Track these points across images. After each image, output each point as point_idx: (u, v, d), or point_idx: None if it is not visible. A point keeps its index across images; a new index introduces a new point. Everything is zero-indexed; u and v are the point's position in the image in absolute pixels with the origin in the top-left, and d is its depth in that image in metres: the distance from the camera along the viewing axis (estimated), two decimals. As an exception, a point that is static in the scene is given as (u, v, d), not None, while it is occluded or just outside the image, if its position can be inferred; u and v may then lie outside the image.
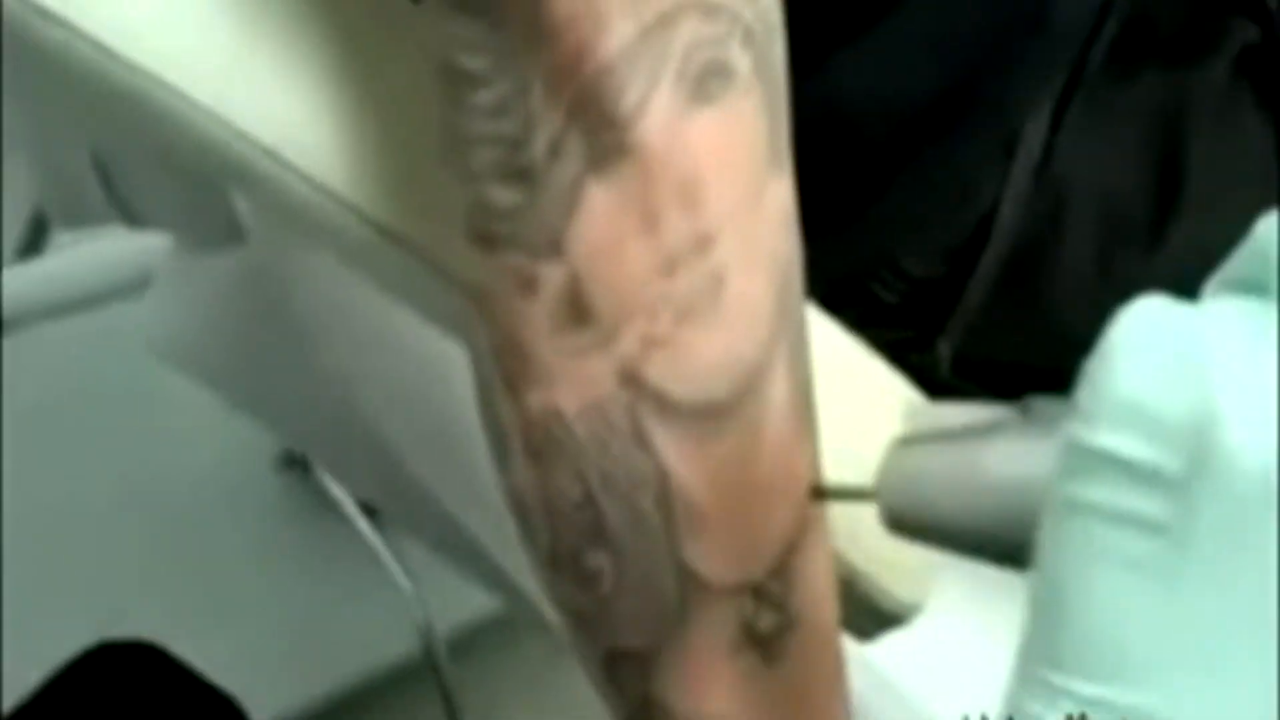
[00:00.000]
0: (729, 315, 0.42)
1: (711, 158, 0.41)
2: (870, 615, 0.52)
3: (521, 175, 0.41)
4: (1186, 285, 0.37)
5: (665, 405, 0.42)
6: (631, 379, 0.42)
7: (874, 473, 0.41)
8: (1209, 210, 0.71)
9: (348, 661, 1.22)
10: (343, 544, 1.10)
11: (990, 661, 0.62)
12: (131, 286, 0.77)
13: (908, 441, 0.41)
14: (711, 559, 0.43)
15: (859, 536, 0.51)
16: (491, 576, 0.63)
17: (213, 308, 0.66)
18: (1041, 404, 0.40)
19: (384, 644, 1.19)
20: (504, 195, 0.41)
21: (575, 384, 0.42)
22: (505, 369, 0.43)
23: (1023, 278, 0.74)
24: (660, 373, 0.42)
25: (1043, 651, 0.33)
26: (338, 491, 1.07)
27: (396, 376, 0.59)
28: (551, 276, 0.41)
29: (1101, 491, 0.32)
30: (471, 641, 1.19)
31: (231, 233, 0.61)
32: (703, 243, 0.41)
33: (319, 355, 0.62)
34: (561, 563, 0.44)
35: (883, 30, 0.69)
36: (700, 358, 0.42)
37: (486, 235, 0.42)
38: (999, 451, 0.38)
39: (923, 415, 0.45)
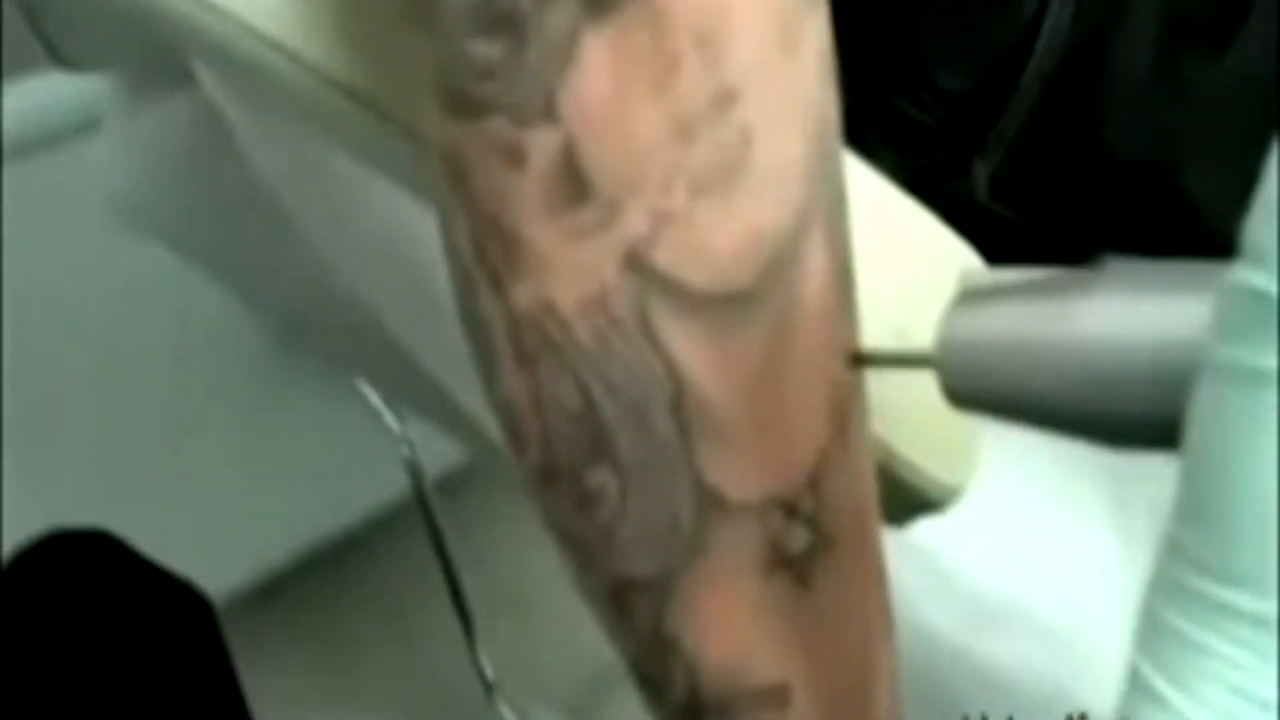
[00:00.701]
0: (755, 186, 0.35)
1: None
2: (904, 500, 0.46)
3: (504, 24, 0.34)
4: (1254, 96, 0.31)
5: (679, 295, 0.35)
6: (639, 264, 0.35)
7: (932, 336, 0.35)
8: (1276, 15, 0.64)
9: (338, 503, 1.18)
10: (330, 385, 1.05)
11: (1045, 542, 0.57)
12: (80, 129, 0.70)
13: (971, 299, 0.35)
14: (734, 473, 0.37)
15: (890, 410, 0.45)
16: (479, 441, 0.57)
17: (165, 158, 0.59)
18: (1120, 263, 0.34)
19: (373, 486, 1.16)
20: (483, 49, 0.34)
21: (572, 273, 0.35)
22: (489, 259, 0.36)
23: (1070, 88, 0.67)
24: (673, 256, 0.35)
25: (1200, 557, 0.27)
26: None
27: (371, 232, 0.53)
28: (542, 144, 0.34)
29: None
30: (462, 482, 1.14)
31: (180, 75, 0.54)
32: (725, 99, 0.34)
33: (284, 210, 0.55)
34: (558, 482, 0.38)
35: None
36: (720, 237, 0.35)
37: (464, 98, 0.35)
38: (1095, 309, 0.32)
39: (982, 279, 0.38)
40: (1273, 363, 0.26)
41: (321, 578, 1.22)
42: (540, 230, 0.35)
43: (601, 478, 0.37)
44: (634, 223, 0.35)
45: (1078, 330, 0.33)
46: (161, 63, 0.54)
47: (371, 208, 0.51)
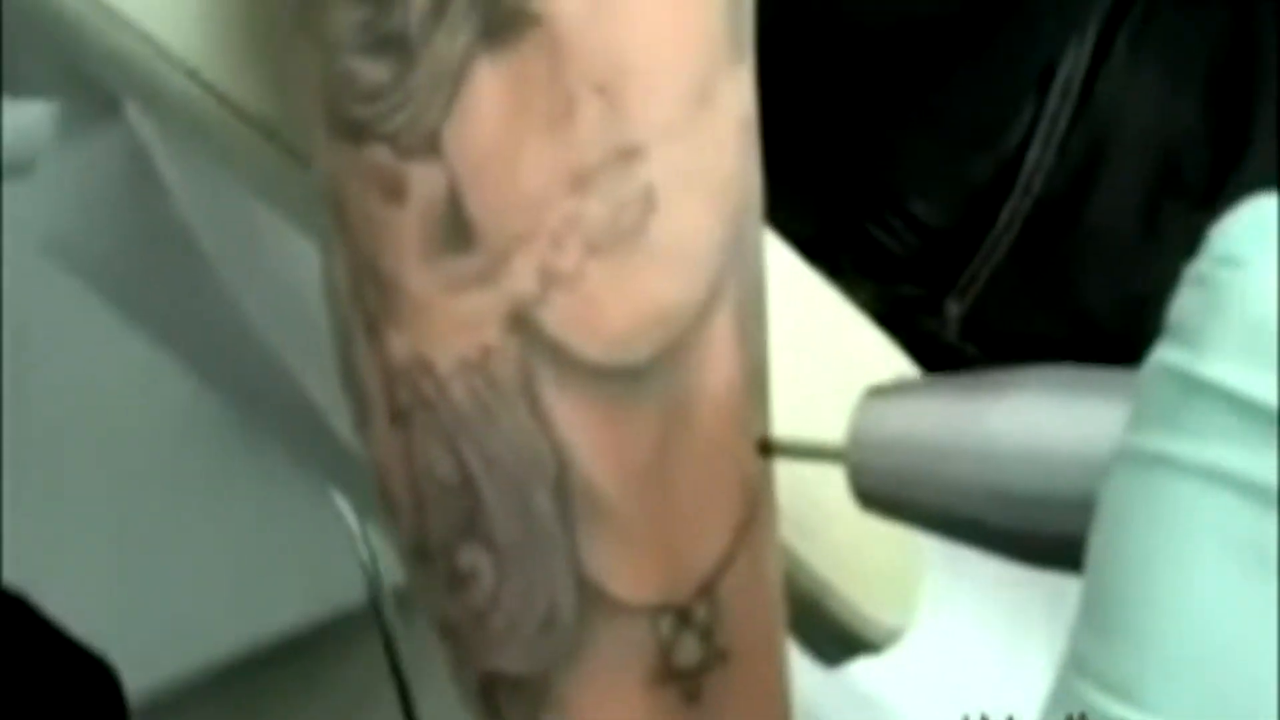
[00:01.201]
0: (657, 255, 0.32)
1: (647, 38, 0.31)
2: (841, 640, 0.43)
3: (392, 43, 0.31)
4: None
5: (567, 364, 0.32)
6: (524, 325, 0.32)
7: (844, 429, 0.32)
8: (1276, 162, 0.61)
9: (292, 602, 1.14)
10: (294, 480, 1.02)
11: (991, 681, 0.54)
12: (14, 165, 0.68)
13: (883, 393, 0.32)
14: (621, 570, 0.33)
15: (828, 546, 0.42)
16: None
17: (93, 193, 0.56)
18: (1053, 369, 0.31)
19: (330, 587, 1.11)
20: (368, 70, 0.31)
21: (451, 328, 0.32)
22: (365, 303, 0.33)
23: (1050, 233, 0.64)
24: (562, 320, 0.32)
25: (1101, 670, 0.24)
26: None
27: (286, 283, 0.50)
28: (424, 180, 0.31)
29: (1210, 443, 0.23)
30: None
31: (111, 108, 0.52)
32: (627, 154, 0.32)
33: (201, 251, 0.52)
34: (430, 558, 0.34)
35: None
36: (615, 306, 0.32)
37: (346, 120, 0.32)
38: (1007, 410, 0.30)
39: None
40: (1198, 452, 0.23)
41: (272, 675, 1.18)
42: (419, 277, 0.32)
43: (474, 558, 0.33)
44: (521, 278, 0.32)
45: (988, 432, 0.30)
46: (91, 92, 0.52)
47: (286, 257, 0.48)
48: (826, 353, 0.43)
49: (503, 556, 0.33)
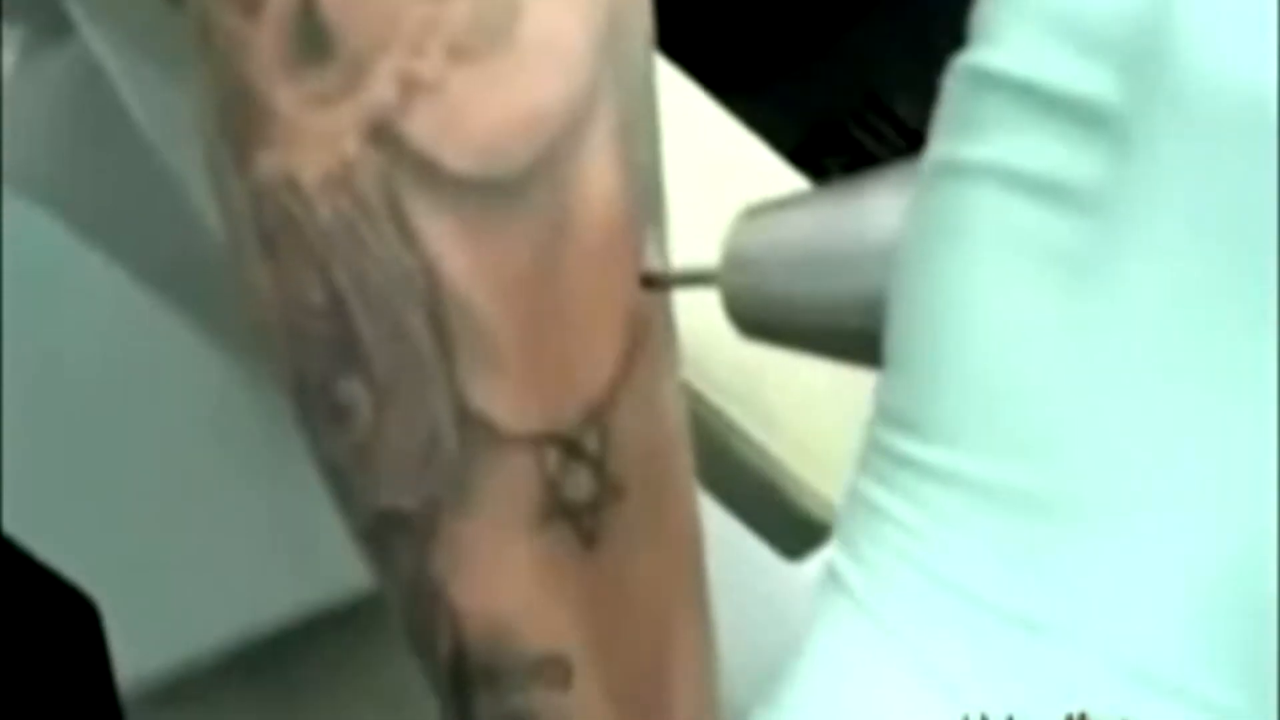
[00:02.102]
0: (524, 58, 0.31)
1: None
2: (798, 526, 0.42)
3: None
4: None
5: (434, 177, 0.31)
6: (386, 137, 0.31)
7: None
8: None
9: (330, 575, 1.12)
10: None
11: None
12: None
13: (758, 212, 0.31)
14: (501, 397, 0.32)
15: (786, 425, 0.41)
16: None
17: (55, 118, 0.56)
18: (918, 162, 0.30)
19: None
20: None
21: (314, 143, 0.31)
22: (232, 125, 0.32)
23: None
24: (425, 130, 0.31)
25: (889, 406, 0.22)
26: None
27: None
28: None
29: (999, 140, 0.21)
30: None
31: (63, 25, 0.51)
32: None
33: (165, 171, 0.51)
34: (308, 393, 0.33)
35: None
36: (481, 113, 0.31)
37: None
38: (879, 206, 0.28)
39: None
40: (985, 151, 0.21)
41: (311, 649, 1.16)
42: (280, 92, 0.31)
43: (353, 390, 0.33)
44: (380, 88, 0.31)
45: (853, 232, 0.28)
46: (44, 14, 0.51)
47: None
48: (727, 185, 0.41)
49: (380, 386, 0.32)
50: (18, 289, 0.89)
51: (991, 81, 0.21)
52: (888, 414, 0.22)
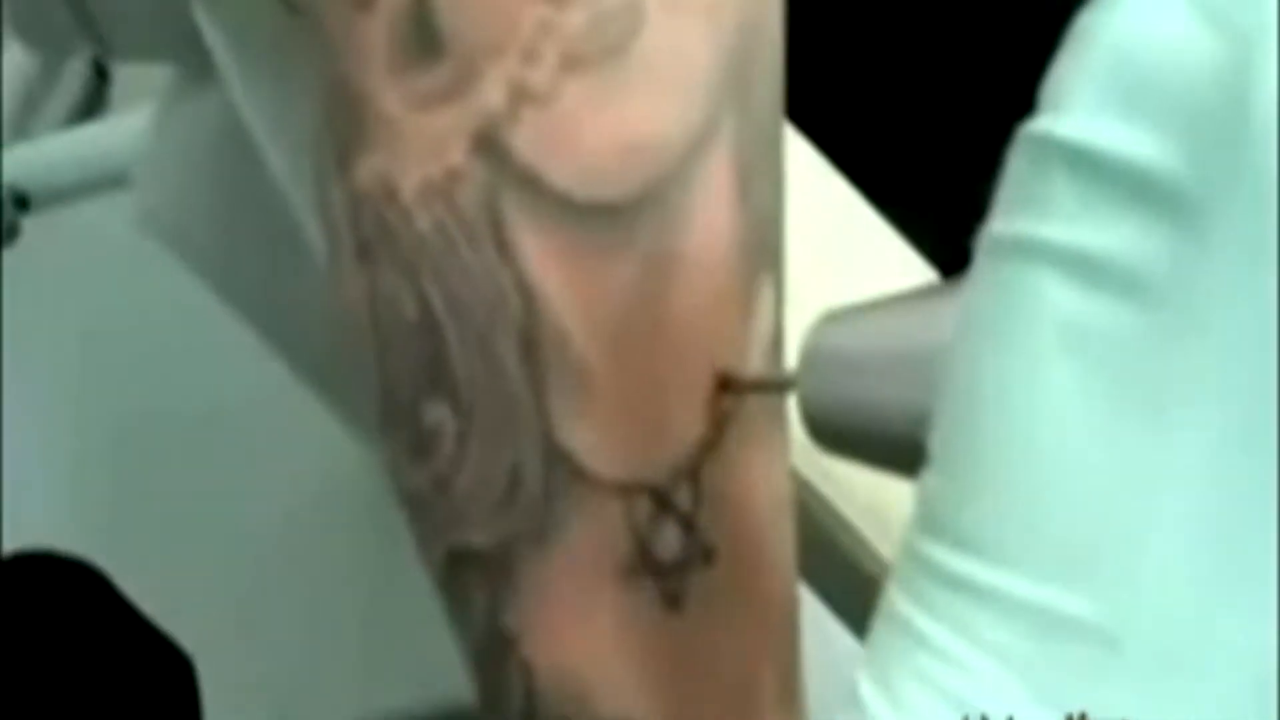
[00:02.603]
0: (643, 72, 0.29)
1: None
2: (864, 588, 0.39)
3: None
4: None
5: (537, 193, 0.29)
6: (491, 146, 0.29)
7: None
8: None
9: (421, 684, 1.10)
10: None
11: None
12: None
13: (837, 317, 0.29)
14: (592, 436, 0.30)
15: (853, 483, 0.38)
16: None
17: (196, 164, 0.55)
18: None
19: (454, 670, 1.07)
20: None
21: (418, 148, 0.30)
22: (336, 127, 0.31)
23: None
24: (533, 143, 0.29)
25: (930, 510, 0.20)
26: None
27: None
28: None
29: (1056, 217, 0.19)
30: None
31: (206, 72, 0.51)
32: None
33: (295, 220, 0.50)
34: (395, 415, 0.32)
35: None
36: (593, 128, 0.29)
37: None
38: (952, 310, 0.26)
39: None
40: (1041, 228, 0.19)
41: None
42: (387, 92, 0.30)
43: (439, 414, 0.31)
44: (490, 93, 0.29)
45: (941, 336, 0.26)
46: (194, 54, 0.51)
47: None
48: (847, 262, 0.39)
49: (465, 412, 0.30)
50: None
51: (1053, 151, 0.19)
52: (926, 519, 0.20)
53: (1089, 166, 0.19)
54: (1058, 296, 0.19)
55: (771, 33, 0.31)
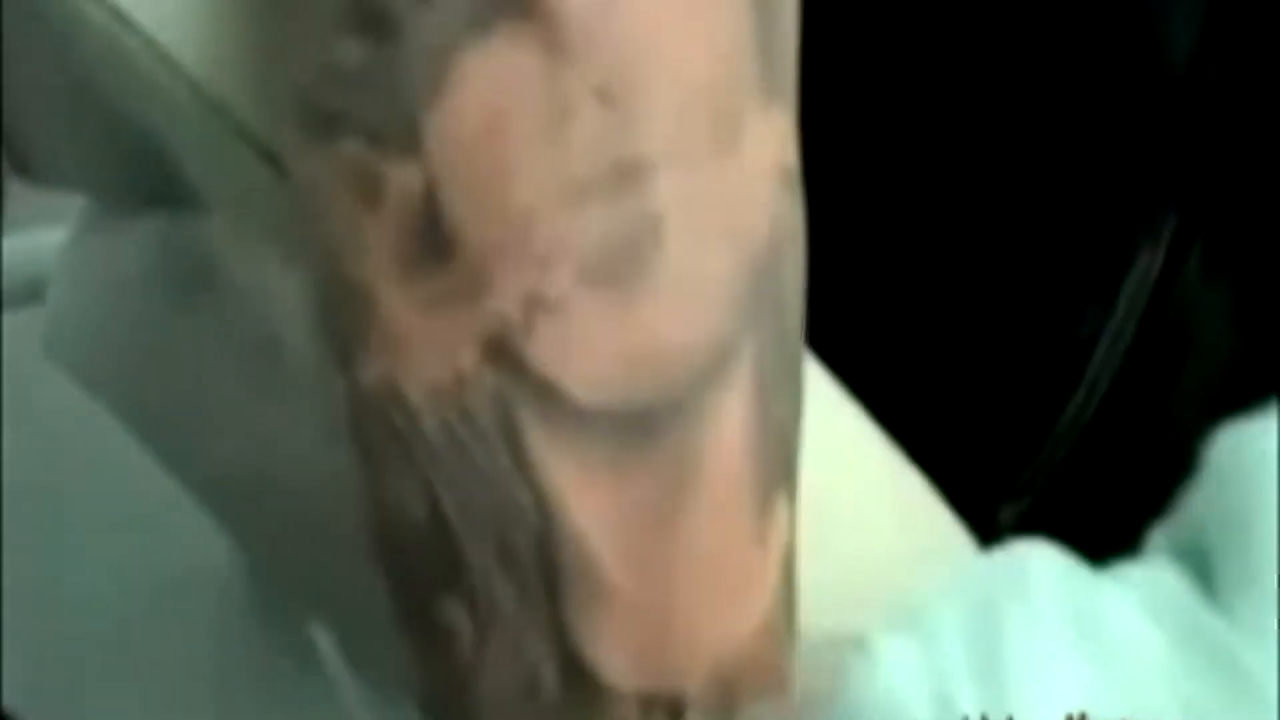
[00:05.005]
0: (661, 287, 0.29)
1: (660, 47, 0.29)
2: None
3: (378, 20, 0.28)
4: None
5: (554, 404, 0.29)
6: (503, 354, 0.29)
7: None
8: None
9: None
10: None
11: None
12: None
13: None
14: (612, 648, 0.30)
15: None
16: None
17: (123, 290, 0.53)
18: None
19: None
20: (348, 50, 0.29)
21: (425, 352, 0.29)
22: (337, 324, 0.30)
23: (1114, 440, 0.61)
24: (549, 353, 0.29)
25: None
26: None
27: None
28: (402, 181, 0.29)
29: None
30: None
31: (154, 192, 0.49)
32: (631, 170, 0.29)
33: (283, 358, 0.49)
34: (407, 612, 0.31)
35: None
36: (608, 341, 0.29)
37: (321, 111, 0.29)
38: None
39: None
40: None
41: None
42: (393, 292, 0.29)
43: (455, 613, 0.30)
44: (502, 299, 0.28)
45: None
46: (128, 179, 0.49)
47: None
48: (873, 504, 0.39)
49: (483, 616, 0.30)
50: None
51: None
52: None
53: None
54: None
55: (794, 251, 0.31)
